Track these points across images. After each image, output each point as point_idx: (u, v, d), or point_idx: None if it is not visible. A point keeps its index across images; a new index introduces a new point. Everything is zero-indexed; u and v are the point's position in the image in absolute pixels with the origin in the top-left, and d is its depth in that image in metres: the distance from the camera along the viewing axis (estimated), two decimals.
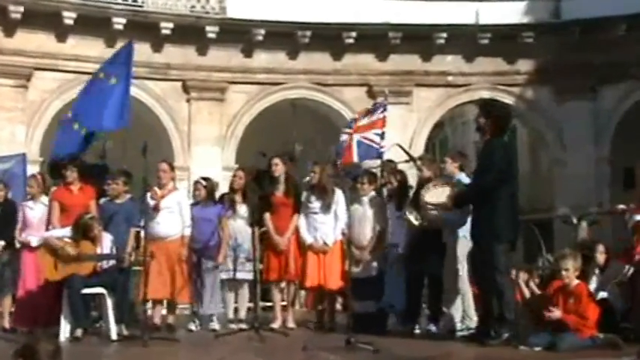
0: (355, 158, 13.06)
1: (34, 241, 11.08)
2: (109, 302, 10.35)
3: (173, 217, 11.17)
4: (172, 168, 11.71)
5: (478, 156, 10.02)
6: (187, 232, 11.17)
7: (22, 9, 18.08)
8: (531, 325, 9.31)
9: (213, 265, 11.37)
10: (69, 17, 18.48)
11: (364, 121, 12.72)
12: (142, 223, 10.97)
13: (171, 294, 11.16)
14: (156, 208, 11.06)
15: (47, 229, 11.11)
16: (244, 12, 19.60)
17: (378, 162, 12.87)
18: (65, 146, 12.03)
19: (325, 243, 11.26)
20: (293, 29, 19.81)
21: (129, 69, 12.05)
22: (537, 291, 11.21)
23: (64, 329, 10.20)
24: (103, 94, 12.03)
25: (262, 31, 19.59)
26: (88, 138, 12.03)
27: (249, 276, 11.31)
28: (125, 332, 10.40)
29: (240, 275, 11.55)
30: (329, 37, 20.11)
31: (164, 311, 11.54)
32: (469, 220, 9.61)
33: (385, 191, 11.51)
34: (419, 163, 11.04)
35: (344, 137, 13.32)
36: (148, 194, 10.99)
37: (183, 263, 11.14)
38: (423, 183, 10.32)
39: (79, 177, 11.41)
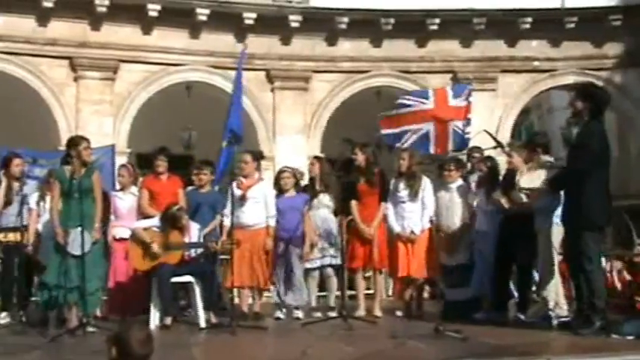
0: (450, 146, 12.90)
1: (124, 233, 11.23)
2: (198, 290, 10.44)
3: (258, 207, 11.22)
4: (256, 159, 11.72)
5: (569, 139, 9.86)
6: (272, 222, 11.21)
7: (107, 2, 18.26)
8: (623, 314, 9.16)
9: (299, 254, 11.40)
10: (153, 9, 18.61)
11: (451, 101, 12.52)
12: (226, 212, 11.06)
13: (256, 282, 11.22)
14: (242, 198, 11.11)
15: (138, 217, 11.30)
16: (327, 0, 19.57)
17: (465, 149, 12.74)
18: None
19: (413, 232, 11.20)
20: (376, 17, 19.69)
21: (239, 74, 12.32)
22: (629, 278, 11.03)
23: (154, 317, 10.32)
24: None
25: (346, 20, 19.52)
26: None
27: (336, 263, 11.35)
28: (214, 320, 10.46)
29: (327, 263, 11.58)
30: (412, 24, 19.95)
31: (250, 299, 11.61)
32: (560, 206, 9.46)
33: (474, 178, 11.40)
34: (507, 149, 10.92)
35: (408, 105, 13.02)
36: (234, 183, 11.05)
37: (268, 253, 11.19)
38: (512, 169, 10.19)
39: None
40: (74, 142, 10.14)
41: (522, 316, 10.25)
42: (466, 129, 12.09)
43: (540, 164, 9.73)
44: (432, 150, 11.66)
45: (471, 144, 12.18)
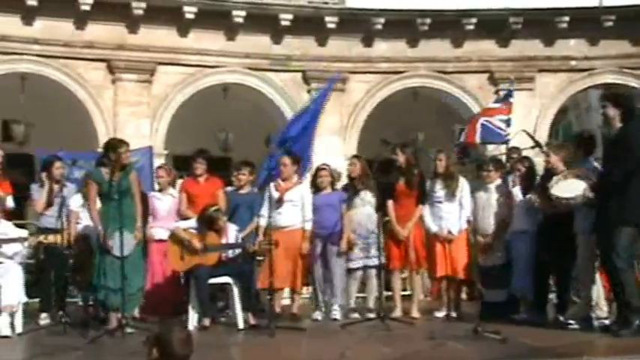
0: (478, 139, 12.88)
1: (162, 234, 11.28)
2: (236, 291, 10.46)
3: (296, 210, 11.23)
4: (295, 162, 11.75)
5: (607, 138, 9.77)
6: (308, 226, 11.21)
7: (144, 5, 18.33)
8: None
9: (337, 252, 11.40)
10: (190, 12, 18.66)
11: (492, 105, 12.52)
12: (262, 212, 11.10)
13: (292, 283, 11.24)
14: (279, 201, 11.13)
15: (176, 219, 11.36)
16: (363, 1, 19.55)
17: (503, 149, 12.71)
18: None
19: (450, 232, 11.18)
20: (412, 17, 19.62)
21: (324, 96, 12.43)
22: None
23: (192, 319, 10.36)
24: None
25: (382, 20, 19.46)
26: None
27: (375, 263, 11.36)
28: (252, 321, 10.47)
29: (367, 263, 11.57)
30: (449, 24, 19.88)
31: (288, 301, 11.63)
32: None
33: (512, 178, 11.35)
34: (545, 149, 10.86)
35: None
36: (272, 185, 11.08)
37: (304, 255, 11.20)
38: (550, 170, 10.13)
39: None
40: (113, 145, 10.17)
41: (562, 318, 10.18)
42: (506, 129, 12.07)
43: (576, 174, 9.63)
44: (462, 139, 11.72)
45: (510, 144, 12.14)
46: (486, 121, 12.44)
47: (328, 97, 12.90)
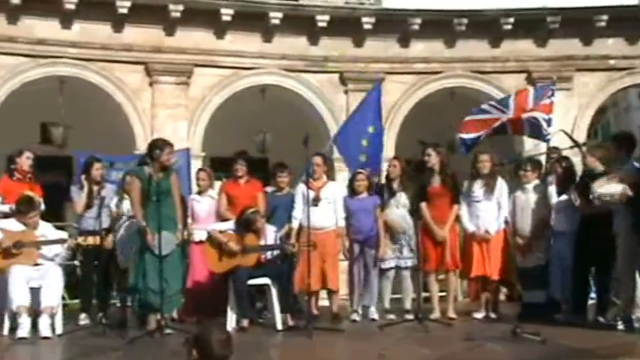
0: (526, 133, 12.80)
1: (201, 236, 11.31)
2: (274, 292, 10.47)
3: (329, 209, 11.25)
4: (327, 161, 11.74)
5: None
6: (341, 223, 11.22)
7: (181, 8, 18.40)
8: None
9: (374, 255, 11.39)
10: (226, 14, 18.70)
11: (531, 104, 12.41)
12: (294, 214, 11.12)
13: (326, 284, 11.25)
14: (316, 199, 11.14)
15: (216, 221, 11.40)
16: (400, 1, 19.51)
17: (542, 149, 12.62)
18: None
19: (487, 231, 11.13)
20: (449, 17, 19.54)
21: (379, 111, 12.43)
22: None
23: (231, 320, 10.39)
24: (359, 136, 12.47)
25: (418, 21, 19.39)
26: None
27: (411, 264, 11.34)
28: (290, 322, 10.48)
29: (400, 264, 11.56)
30: (486, 24, 19.77)
31: (327, 302, 11.64)
32: None
33: (551, 179, 11.28)
34: (584, 149, 10.79)
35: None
36: (302, 185, 11.10)
37: (338, 254, 11.19)
38: (588, 170, 10.07)
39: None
40: (158, 145, 10.19)
41: (602, 319, 10.11)
42: (547, 128, 11.98)
43: (620, 177, 9.53)
44: (509, 131, 11.68)
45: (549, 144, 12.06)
46: (532, 117, 12.32)
47: (374, 103, 12.85)
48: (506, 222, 11.21)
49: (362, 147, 12.23)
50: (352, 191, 11.65)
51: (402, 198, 11.62)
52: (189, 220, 11.60)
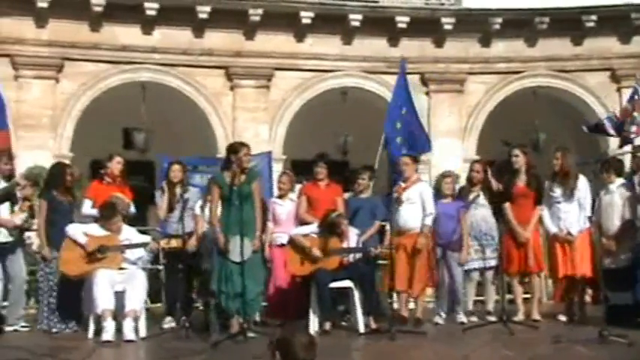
0: (612, 131, 12.62)
1: (284, 239, 11.32)
2: (357, 295, 10.43)
3: (414, 209, 11.12)
4: (415, 161, 11.67)
5: None
6: (428, 221, 11.05)
7: (260, 12, 18.54)
8: None
9: (457, 258, 11.31)
10: (306, 17, 18.78)
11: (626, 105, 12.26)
12: (386, 217, 11.06)
13: (413, 287, 11.17)
14: (398, 201, 11.07)
15: (296, 224, 11.41)
16: (480, 1, 19.37)
17: (626, 148, 12.43)
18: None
19: (569, 233, 10.96)
20: (531, 16, 19.37)
21: (408, 92, 12.25)
22: None
23: (313, 322, 10.36)
24: (394, 120, 12.32)
25: (499, 20, 19.26)
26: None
27: (492, 265, 11.24)
28: (373, 325, 10.41)
29: (483, 265, 11.47)
30: (568, 22, 19.56)
31: (412, 305, 11.57)
32: None
33: (637, 178, 11.06)
34: None
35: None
36: (395, 188, 11.05)
37: (425, 255, 11.09)
38: None
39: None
40: (234, 148, 10.22)
41: None
42: (634, 128, 11.78)
43: None
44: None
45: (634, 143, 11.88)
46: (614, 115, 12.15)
47: (405, 83, 12.60)
48: (589, 222, 11.01)
49: (396, 130, 12.02)
50: (438, 194, 11.54)
51: (481, 199, 11.51)
52: (271, 224, 11.58)
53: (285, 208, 11.79)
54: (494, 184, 11.19)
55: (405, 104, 12.07)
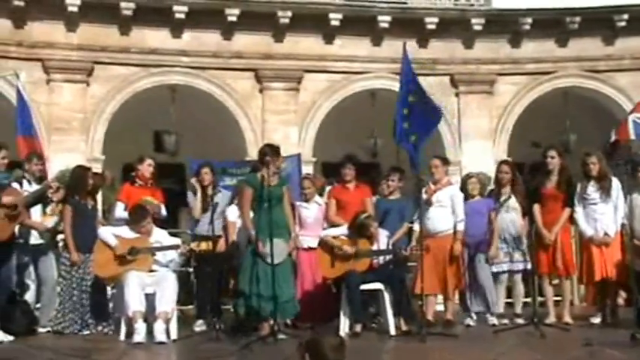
0: (632, 135, 12.52)
1: (310, 242, 11.31)
2: (387, 297, 10.41)
3: (444, 212, 11.11)
4: (446, 162, 11.63)
5: None
6: (460, 226, 11.06)
7: (289, 14, 18.56)
8: None
9: (486, 258, 11.26)
10: (335, 19, 18.79)
11: None
12: (415, 218, 11.03)
13: (442, 289, 11.13)
14: (427, 203, 11.04)
15: (324, 226, 11.39)
16: (510, 2, 19.30)
17: None
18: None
19: (606, 234, 10.88)
20: (561, 16, 19.28)
21: (410, 75, 12.13)
22: None
23: (343, 325, 10.34)
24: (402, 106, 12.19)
25: (529, 20, 19.18)
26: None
27: (520, 268, 11.19)
28: (403, 327, 10.39)
29: (512, 268, 11.41)
30: (599, 22, 19.45)
31: (441, 307, 11.52)
32: None
33: None
34: None
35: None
36: (423, 189, 11.01)
37: (456, 258, 11.06)
38: None
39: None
40: (267, 151, 10.18)
41: None
42: None
43: None
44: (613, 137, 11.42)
45: None
46: (636, 117, 12.07)
47: (410, 72, 12.44)
48: (622, 223, 10.93)
49: (404, 115, 11.92)
50: (465, 194, 11.50)
51: (512, 202, 11.45)
52: (297, 228, 11.57)
53: (311, 211, 11.75)
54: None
55: (412, 90, 11.95)
